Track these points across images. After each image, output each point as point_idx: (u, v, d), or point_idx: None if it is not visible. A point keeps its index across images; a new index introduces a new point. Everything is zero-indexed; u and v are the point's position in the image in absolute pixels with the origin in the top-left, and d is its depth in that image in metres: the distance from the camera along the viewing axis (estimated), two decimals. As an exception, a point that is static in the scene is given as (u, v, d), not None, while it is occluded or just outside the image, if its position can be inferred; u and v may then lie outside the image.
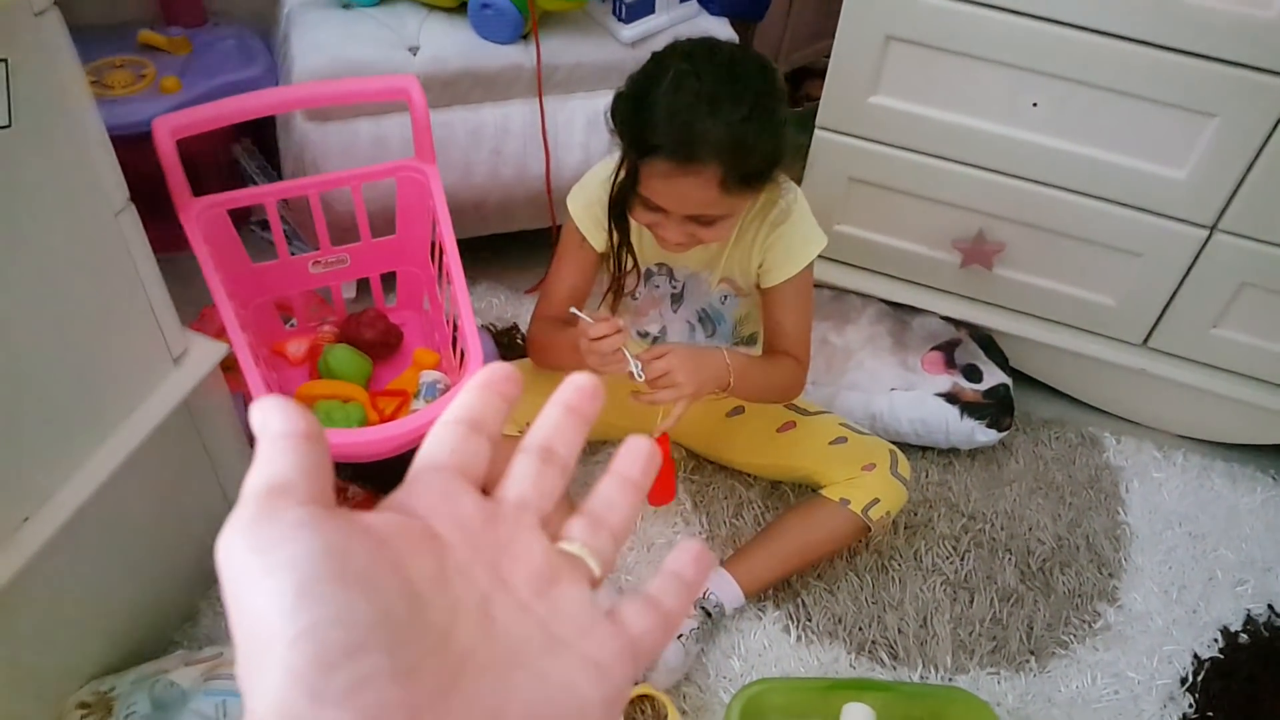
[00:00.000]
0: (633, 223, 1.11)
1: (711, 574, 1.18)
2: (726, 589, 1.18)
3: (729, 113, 0.95)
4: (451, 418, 0.30)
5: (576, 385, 0.32)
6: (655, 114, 0.96)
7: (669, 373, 1.04)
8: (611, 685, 0.26)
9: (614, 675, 0.27)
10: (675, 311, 1.23)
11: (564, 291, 1.18)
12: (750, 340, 1.26)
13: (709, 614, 1.17)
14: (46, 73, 0.76)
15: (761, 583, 1.21)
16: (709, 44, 1.00)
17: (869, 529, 1.19)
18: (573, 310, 1.06)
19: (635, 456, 0.32)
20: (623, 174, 1.04)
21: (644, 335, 1.26)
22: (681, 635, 1.13)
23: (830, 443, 1.23)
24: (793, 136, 1.03)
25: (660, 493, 1.26)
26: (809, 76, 1.91)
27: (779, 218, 1.12)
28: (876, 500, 1.18)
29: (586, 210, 1.14)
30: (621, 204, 1.07)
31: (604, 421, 1.20)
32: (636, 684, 1.13)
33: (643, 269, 1.20)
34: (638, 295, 1.22)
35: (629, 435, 0.33)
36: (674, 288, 1.21)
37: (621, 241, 1.13)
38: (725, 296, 1.20)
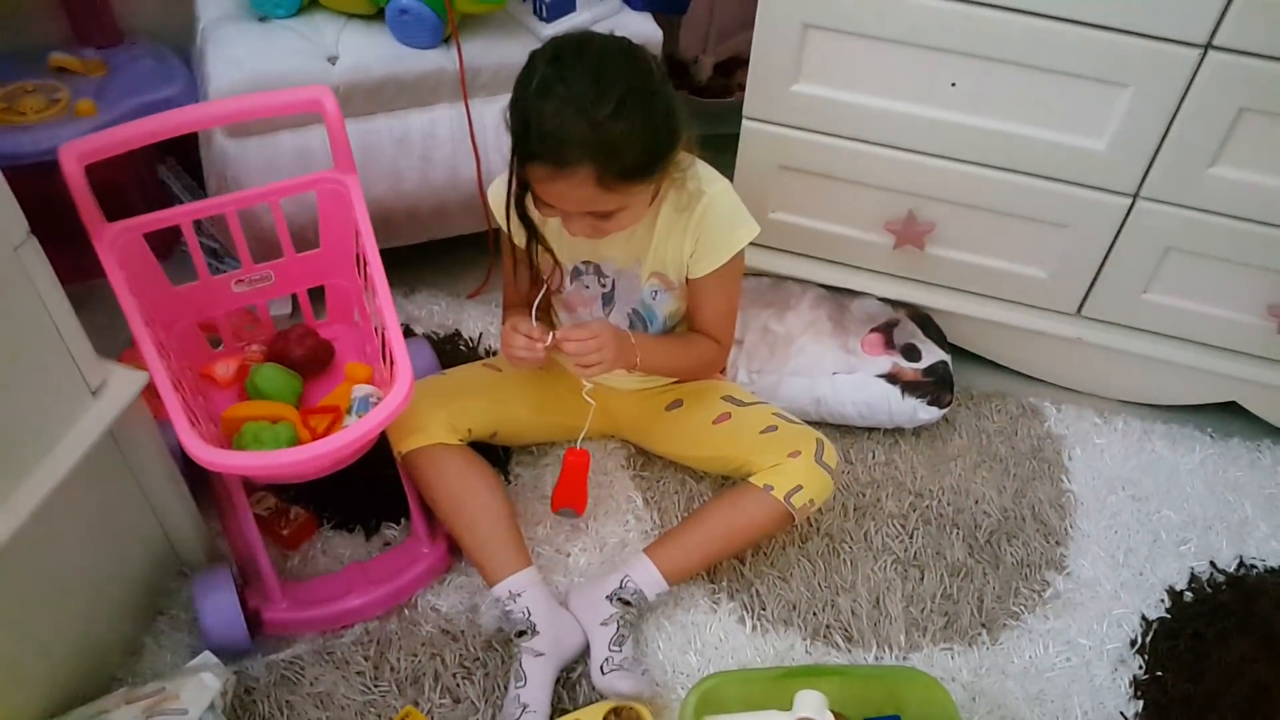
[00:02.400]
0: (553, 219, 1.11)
1: (633, 560, 1.18)
2: (647, 575, 1.17)
3: (594, 112, 0.95)
4: None
5: None
6: (528, 120, 0.98)
7: (598, 341, 1.10)
8: None
9: None
10: (607, 314, 1.23)
11: (513, 283, 1.24)
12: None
13: (628, 603, 1.16)
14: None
15: (684, 569, 1.20)
16: (578, 41, 1.00)
17: (792, 518, 1.19)
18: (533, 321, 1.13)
19: None
20: (515, 176, 1.06)
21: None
22: (604, 662, 1.10)
23: (761, 432, 1.23)
24: (683, 119, 1.03)
25: (570, 500, 1.22)
26: (739, 66, 1.90)
27: (705, 208, 1.12)
28: (799, 487, 1.18)
29: (500, 209, 1.15)
30: (521, 204, 1.09)
31: (549, 422, 1.21)
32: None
33: (568, 266, 1.19)
34: (563, 289, 1.22)
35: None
36: (603, 286, 1.20)
37: (531, 238, 1.13)
38: (656, 292, 1.20)
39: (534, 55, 1.01)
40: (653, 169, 1.02)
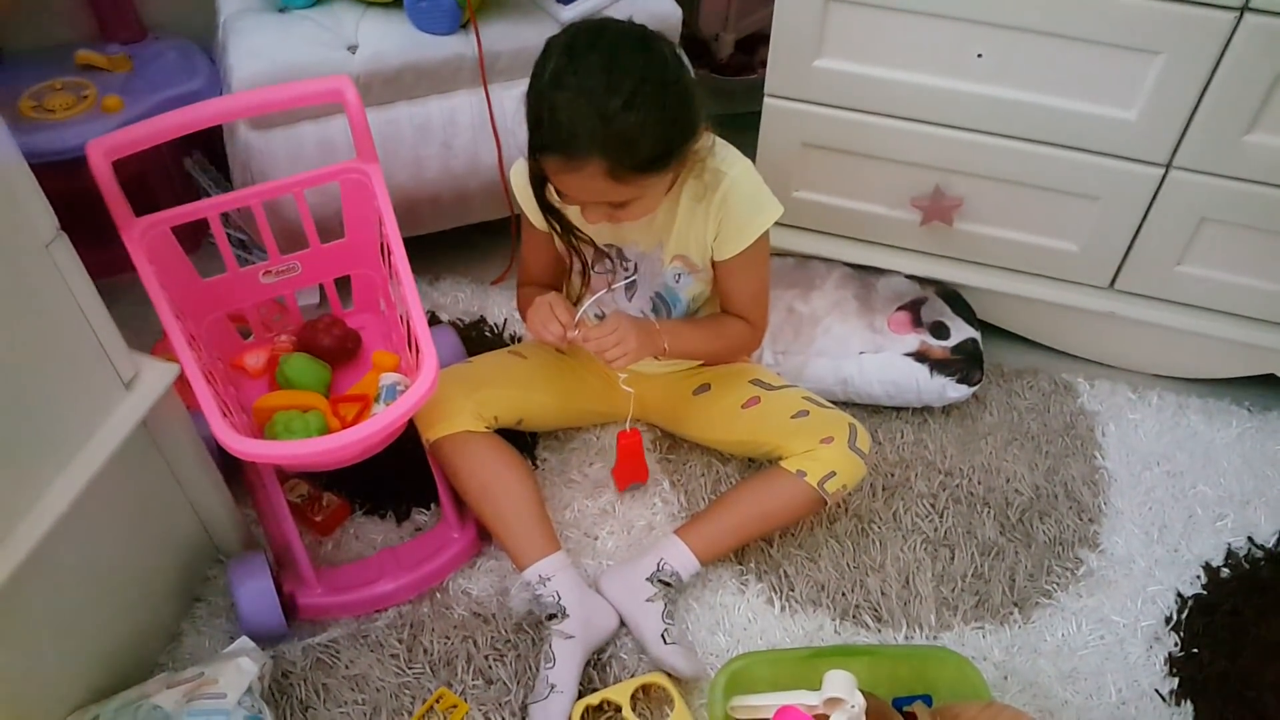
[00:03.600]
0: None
1: (665, 543, 1.19)
2: (681, 557, 1.18)
3: (605, 104, 0.94)
4: None
5: None
6: (541, 111, 0.98)
7: (619, 334, 1.10)
8: None
9: None
10: (630, 300, 1.23)
11: (531, 263, 1.26)
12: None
13: (668, 584, 1.17)
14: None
15: (716, 550, 1.21)
16: (593, 30, 1.00)
17: (824, 501, 1.20)
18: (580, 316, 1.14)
19: None
20: (533, 164, 1.05)
21: (600, 317, 1.25)
22: (663, 633, 1.12)
23: (792, 416, 1.23)
24: (700, 107, 1.02)
25: (634, 475, 1.26)
26: (760, 43, 1.88)
27: (726, 191, 1.11)
28: (833, 473, 1.18)
29: (523, 191, 1.15)
30: (542, 193, 1.09)
31: (575, 409, 1.22)
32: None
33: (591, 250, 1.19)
34: (594, 271, 1.21)
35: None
36: (626, 269, 1.20)
37: (562, 226, 1.13)
38: (679, 275, 1.20)
39: (549, 43, 1.00)
40: (667, 160, 1.01)
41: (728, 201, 1.12)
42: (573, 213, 1.13)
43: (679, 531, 1.20)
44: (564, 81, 0.96)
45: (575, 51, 0.97)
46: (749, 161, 1.15)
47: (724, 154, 1.12)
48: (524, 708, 1.10)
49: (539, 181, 1.08)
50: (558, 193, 1.06)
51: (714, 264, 1.18)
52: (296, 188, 1.22)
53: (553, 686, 1.07)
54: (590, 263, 1.18)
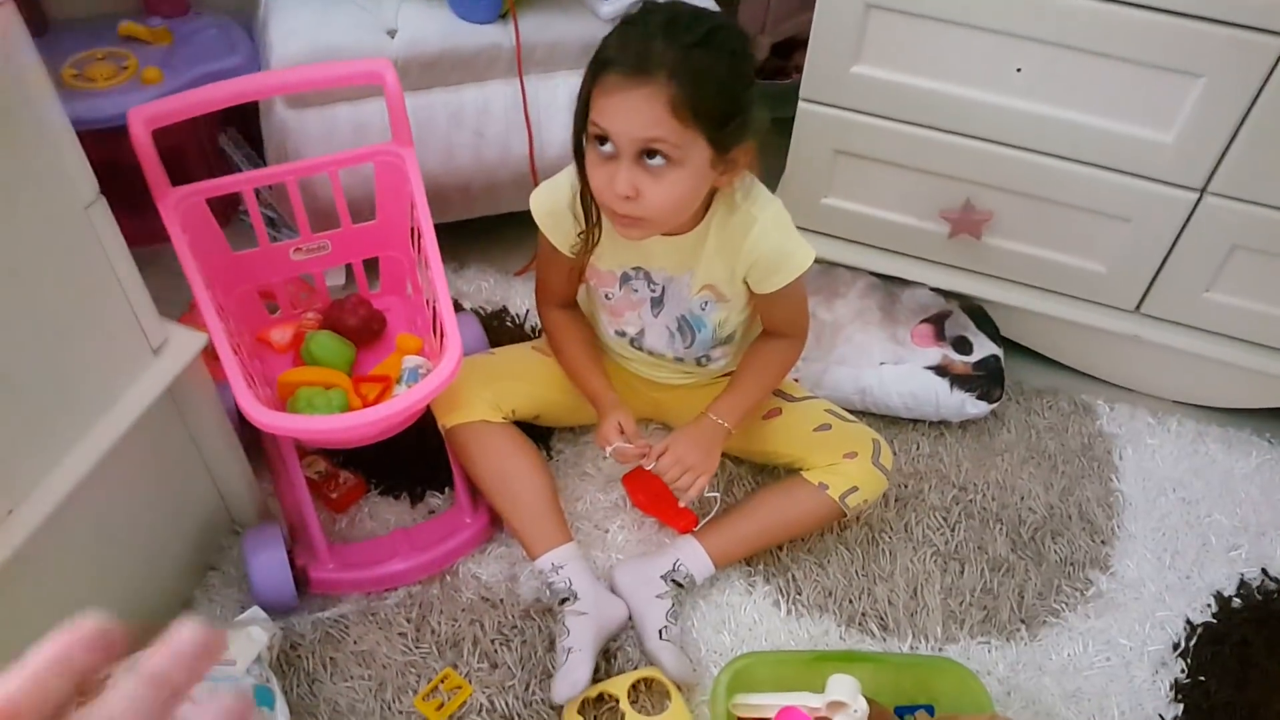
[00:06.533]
0: (604, 224, 1.09)
1: (683, 543, 1.19)
2: (697, 560, 1.18)
3: (683, 36, 0.93)
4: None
5: (176, 647, 0.30)
6: (608, 44, 0.96)
7: (682, 464, 1.11)
8: None
9: None
10: (655, 316, 1.20)
11: (551, 281, 1.23)
12: (728, 340, 1.23)
13: (680, 585, 1.17)
14: (5, 70, 0.76)
15: (732, 556, 1.22)
16: (663, 5, 0.98)
17: (844, 514, 1.20)
18: (616, 445, 1.14)
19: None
20: (579, 117, 1.00)
21: (621, 335, 1.24)
22: (662, 630, 1.13)
23: (814, 429, 1.23)
24: (760, 113, 1.00)
25: (683, 523, 1.23)
26: (797, 48, 1.88)
27: (756, 238, 1.08)
28: (855, 488, 1.18)
29: (550, 216, 1.13)
30: (580, 153, 1.03)
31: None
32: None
33: (617, 272, 1.17)
34: (610, 296, 1.19)
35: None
36: (653, 291, 1.17)
37: (585, 187, 1.06)
38: (706, 303, 1.17)
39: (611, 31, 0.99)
40: (723, 123, 0.97)
41: (757, 248, 1.08)
42: (599, 253, 1.13)
43: (697, 534, 1.20)
44: (635, 20, 0.95)
45: (646, 10, 0.96)
46: (780, 204, 1.11)
47: (757, 196, 1.09)
48: (541, 685, 1.11)
49: (579, 130, 1.00)
50: (594, 150, 0.99)
51: (756, 295, 1.15)
52: (332, 167, 1.23)
53: (569, 650, 1.08)
54: (594, 234, 1.12)
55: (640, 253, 1.13)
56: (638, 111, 0.94)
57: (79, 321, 0.90)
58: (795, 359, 1.24)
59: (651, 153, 0.96)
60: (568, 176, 1.11)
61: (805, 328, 1.22)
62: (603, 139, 0.98)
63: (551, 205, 1.13)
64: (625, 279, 1.17)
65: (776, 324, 1.20)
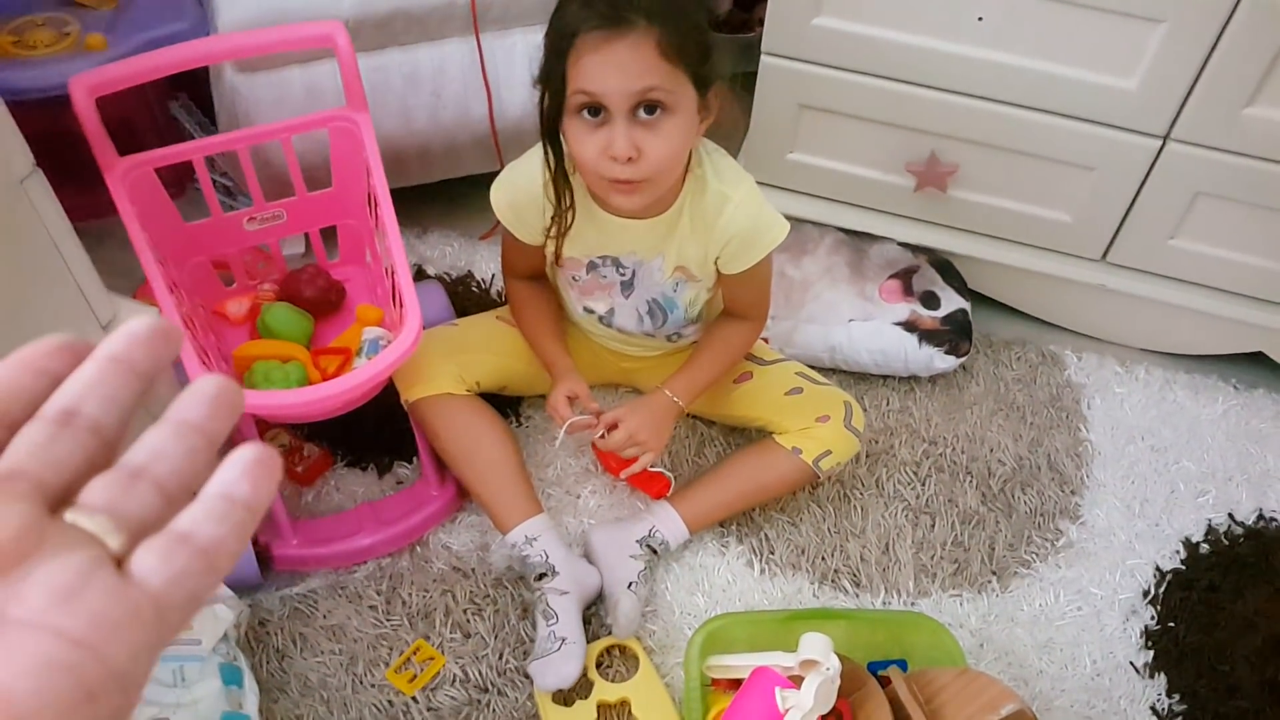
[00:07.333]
0: (580, 204, 1.07)
1: (658, 509, 1.18)
2: (671, 525, 1.18)
3: None
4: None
5: (130, 331, 0.28)
6: (568, 7, 0.92)
7: (633, 439, 1.11)
8: (95, 662, 0.23)
9: (105, 648, 0.23)
10: (626, 298, 1.18)
11: (516, 261, 1.21)
12: (697, 319, 1.22)
13: (655, 551, 1.17)
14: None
15: (707, 521, 1.21)
16: None
17: (818, 477, 1.20)
18: (570, 421, 1.13)
19: (196, 399, 0.28)
20: (547, 97, 0.96)
21: (590, 312, 1.22)
22: (631, 584, 1.13)
23: (786, 393, 1.22)
24: (723, 61, 0.98)
25: (656, 488, 1.23)
26: (759, 0, 1.85)
27: (729, 219, 1.06)
28: (828, 452, 1.18)
29: (512, 209, 1.11)
30: (554, 131, 1.00)
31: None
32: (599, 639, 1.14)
33: (583, 260, 1.14)
34: (578, 279, 1.17)
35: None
36: (622, 275, 1.16)
37: (558, 171, 1.04)
38: (678, 284, 1.16)
39: None
40: (703, 58, 0.94)
41: (731, 228, 1.07)
42: (570, 242, 1.11)
43: (672, 500, 1.20)
44: None
45: None
46: (751, 180, 1.09)
47: (728, 174, 1.07)
48: (514, 654, 1.11)
49: (553, 109, 0.97)
50: (581, 117, 0.95)
51: (722, 275, 1.14)
52: (284, 133, 1.20)
53: (563, 640, 1.07)
54: (566, 217, 1.10)
55: (609, 240, 1.11)
56: (627, 64, 0.90)
57: (21, 299, 0.87)
58: (754, 341, 1.24)
59: (649, 105, 0.93)
60: (529, 165, 1.07)
61: (766, 311, 1.21)
62: (591, 107, 0.94)
63: (512, 197, 1.10)
64: (592, 266, 1.15)
65: (739, 307, 1.19)
